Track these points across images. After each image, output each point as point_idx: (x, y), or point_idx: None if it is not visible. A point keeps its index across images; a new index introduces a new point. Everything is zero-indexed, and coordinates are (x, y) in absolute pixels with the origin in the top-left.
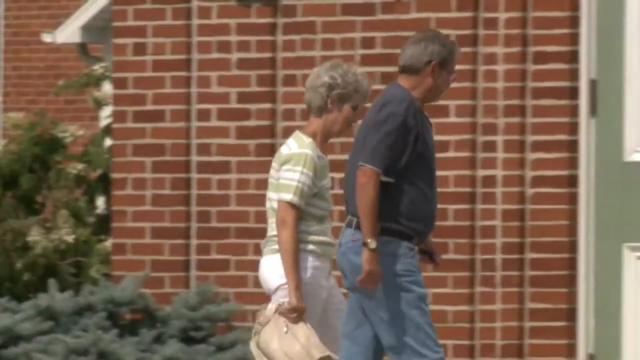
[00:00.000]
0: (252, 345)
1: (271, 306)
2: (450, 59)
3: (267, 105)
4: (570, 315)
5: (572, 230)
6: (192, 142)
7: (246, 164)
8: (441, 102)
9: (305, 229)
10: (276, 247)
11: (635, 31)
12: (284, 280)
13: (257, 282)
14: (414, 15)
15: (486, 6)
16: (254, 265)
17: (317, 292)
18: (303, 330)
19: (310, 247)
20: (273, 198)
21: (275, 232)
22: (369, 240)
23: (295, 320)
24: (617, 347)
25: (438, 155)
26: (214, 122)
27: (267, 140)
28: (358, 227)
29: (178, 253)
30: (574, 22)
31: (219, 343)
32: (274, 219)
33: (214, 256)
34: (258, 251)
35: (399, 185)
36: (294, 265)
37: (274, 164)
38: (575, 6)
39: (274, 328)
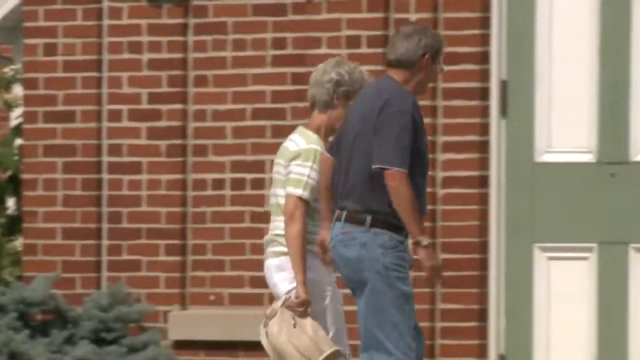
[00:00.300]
0: (263, 339)
1: (278, 301)
2: (440, 51)
3: (178, 106)
4: (482, 315)
5: (483, 230)
6: (103, 142)
7: (157, 165)
8: None
9: (313, 229)
10: (281, 248)
11: (546, 32)
12: (294, 284)
13: (168, 283)
14: (325, 16)
15: (397, 7)
16: (165, 266)
17: (324, 290)
18: (311, 324)
19: (315, 247)
20: (279, 194)
21: (279, 232)
22: (419, 238)
23: (302, 314)
24: (528, 347)
25: None
26: (125, 123)
27: (178, 141)
28: (348, 220)
29: (89, 254)
30: (485, 23)
31: (130, 344)
32: (279, 217)
33: (125, 257)
34: (169, 251)
35: None
36: (302, 260)
37: (280, 160)
38: (485, 7)
39: (282, 321)
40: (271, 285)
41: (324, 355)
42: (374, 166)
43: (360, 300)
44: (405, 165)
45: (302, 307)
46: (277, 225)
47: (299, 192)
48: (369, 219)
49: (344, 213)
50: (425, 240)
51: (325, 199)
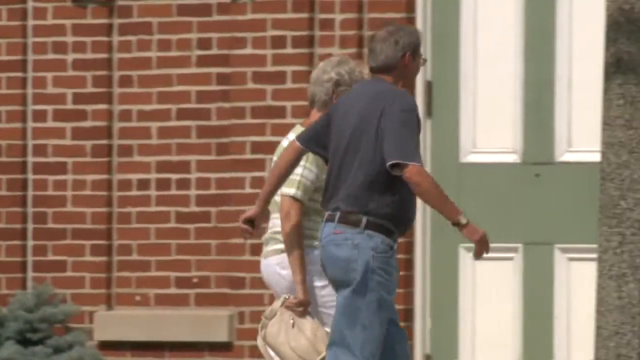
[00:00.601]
0: (259, 340)
1: (277, 301)
2: (419, 46)
3: (103, 106)
4: (408, 315)
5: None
6: (28, 143)
7: (82, 165)
8: (278, 103)
9: (310, 225)
10: (280, 246)
11: (471, 33)
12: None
13: (94, 283)
14: (249, 16)
15: (322, 7)
16: (91, 266)
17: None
18: (310, 324)
19: (316, 242)
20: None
21: (277, 229)
22: (458, 218)
23: (302, 314)
24: (454, 347)
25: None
26: (50, 123)
27: (103, 141)
28: (341, 221)
29: (14, 254)
30: (410, 23)
31: (56, 345)
32: (277, 214)
33: (51, 257)
34: (94, 252)
35: (392, 182)
36: (299, 258)
37: (275, 159)
38: (410, 8)
39: (280, 322)
40: (273, 281)
41: (321, 356)
42: (390, 161)
43: (339, 297)
44: (421, 161)
45: (301, 307)
46: (276, 223)
47: (292, 191)
48: (364, 220)
49: (337, 214)
50: (464, 219)
51: (271, 184)
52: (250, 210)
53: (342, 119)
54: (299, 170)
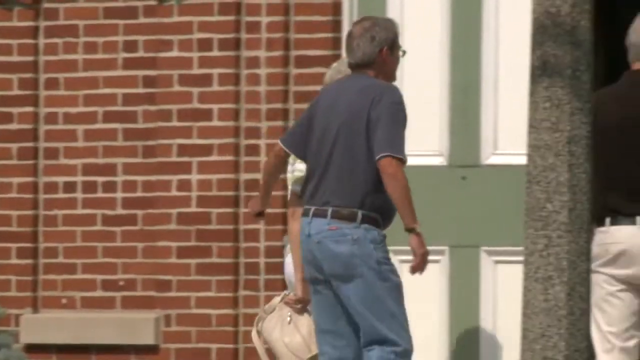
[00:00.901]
0: (253, 332)
1: (277, 296)
2: (396, 39)
3: (29, 109)
4: None
5: None
6: None
7: (8, 168)
8: (204, 106)
9: None
10: None
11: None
12: None
13: (20, 286)
14: (176, 19)
15: (248, 10)
16: (17, 269)
17: None
18: (307, 322)
19: None
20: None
21: None
22: (414, 226)
23: (300, 311)
24: None
25: (201, 159)
26: None
27: (29, 144)
28: (335, 217)
29: None
30: (336, 26)
31: None
32: None
33: None
34: (20, 254)
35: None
36: (301, 258)
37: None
38: (337, 11)
39: (278, 317)
40: (287, 280)
41: (312, 354)
42: (379, 155)
43: (346, 293)
44: (404, 154)
45: (300, 305)
46: None
47: (297, 188)
48: (360, 214)
49: (330, 209)
50: (419, 228)
51: (262, 190)
52: (257, 207)
53: (327, 114)
54: (302, 166)
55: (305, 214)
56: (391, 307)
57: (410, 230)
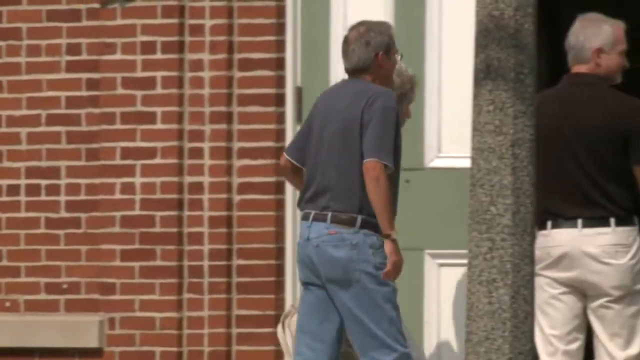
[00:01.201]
0: (279, 327)
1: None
2: (392, 42)
3: None
4: (278, 321)
5: (279, 236)
6: None
7: None
8: (148, 109)
9: None
10: None
11: (340, 38)
12: None
13: None
14: (119, 21)
15: (192, 13)
16: None
17: None
18: None
19: None
20: None
21: None
22: (391, 232)
23: None
24: None
25: (145, 162)
26: None
27: None
28: (334, 221)
29: None
30: (280, 29)
31: None
32: None
33: None
34: None
35: None
36: None
37: None
38: (280, 14)
39: None
40: None
41: None
42: (366, 159)
43: (342, 299)
44: (391, 160)
45: None
46: None
47: None
48: (359, 219)
49: (329, 213)
50: (395, 234)
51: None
52: None
53: (324, 119)
54: None
55: (305, 217)
56: (389, 312)
57: (386, 236)
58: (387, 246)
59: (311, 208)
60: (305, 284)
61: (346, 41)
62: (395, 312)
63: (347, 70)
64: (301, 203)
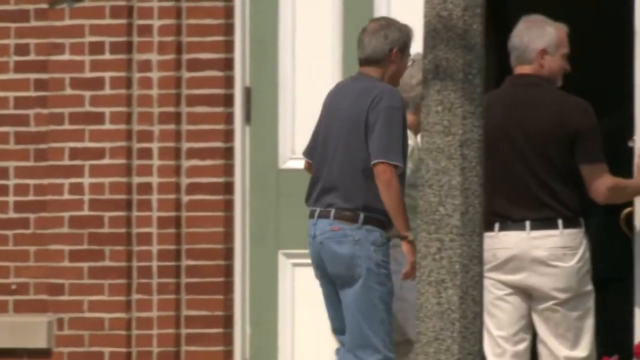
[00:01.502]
0: None
1: None
2: (409, 43)
3: None
4: (227, 322)
5: (228, 237)
6: None
7: None
8: (96, 109)
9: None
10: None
11: (289, 39)
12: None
13: None
14: (67, 22)
15: (140, 13)
16: None
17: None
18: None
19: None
20: None
21: None
22: (407, 233)
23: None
24: (273, 352)
25: (93, 162)
26: None
27: None
28: (337, 217)
29: None
30: (228, 30)
31: None
32: None
33: None
34: None
35: None
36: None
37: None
38: (229, 14)
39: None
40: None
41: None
42: (374, 161)
43: (345, 295)
44: (400, 160)
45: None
46: None
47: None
48: (362, 216)
49: (333, 210)
50: (411, 236)
51: None
52: None
53: (329, 117)
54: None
55: (311, 215)
56: (382, 313)
57: (403, 237)
58: (404, 247)
59: (317, 206)
60: (320, 280)
61: (364, 31)
62: (387, 314)
63: (360, 61)
64: (308, 200)
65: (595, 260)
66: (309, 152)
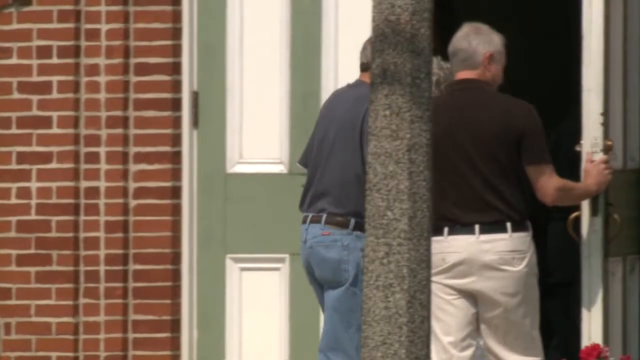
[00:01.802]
0: None
1: None
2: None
3: None
4: (174, 326)
5: (176, 241)
6: None
7: None
8: (44, 113)
9: None
10: None
11: (237, 44)
12: None
13: None
14: (15, 26)
15: (88, 17)
16: None
17: None
18: None
19: None
20: None
21: None
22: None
23: None
24: (221, 357)
25: (41, 166)
26: None
27: None
28: (329, 223)
29: None
30: (176, 34)
31: None
32: None
33: None
34: None
35: None
36: None
37: None
38: (176, 18)
39: None
40: None
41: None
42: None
43: (328, 296)
44: None
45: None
46: None
47: None
48: (352, 221)
49: (324, 215)
50: None
51: None
52: None
53: (325, 123)
54: None
55: (303, 221)
56: (359, 319)
57: None
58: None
59: (309, 211)
60: (312, 286)
61: (369, 39)
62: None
63: (362, 66)
64: (302, 206)
65: (556, 266)
66: (303, 159)
